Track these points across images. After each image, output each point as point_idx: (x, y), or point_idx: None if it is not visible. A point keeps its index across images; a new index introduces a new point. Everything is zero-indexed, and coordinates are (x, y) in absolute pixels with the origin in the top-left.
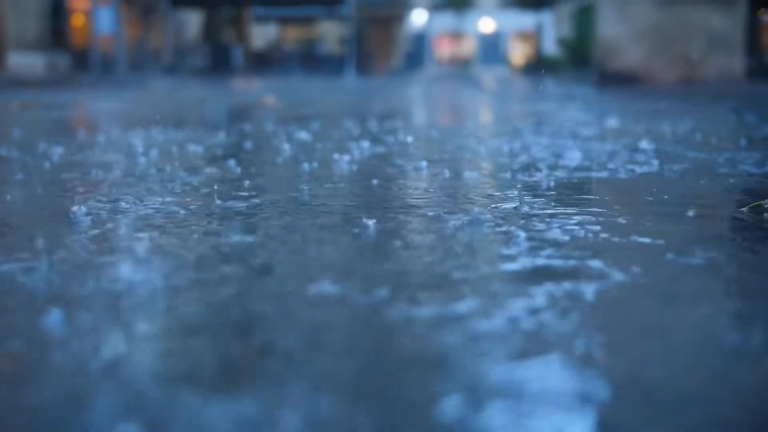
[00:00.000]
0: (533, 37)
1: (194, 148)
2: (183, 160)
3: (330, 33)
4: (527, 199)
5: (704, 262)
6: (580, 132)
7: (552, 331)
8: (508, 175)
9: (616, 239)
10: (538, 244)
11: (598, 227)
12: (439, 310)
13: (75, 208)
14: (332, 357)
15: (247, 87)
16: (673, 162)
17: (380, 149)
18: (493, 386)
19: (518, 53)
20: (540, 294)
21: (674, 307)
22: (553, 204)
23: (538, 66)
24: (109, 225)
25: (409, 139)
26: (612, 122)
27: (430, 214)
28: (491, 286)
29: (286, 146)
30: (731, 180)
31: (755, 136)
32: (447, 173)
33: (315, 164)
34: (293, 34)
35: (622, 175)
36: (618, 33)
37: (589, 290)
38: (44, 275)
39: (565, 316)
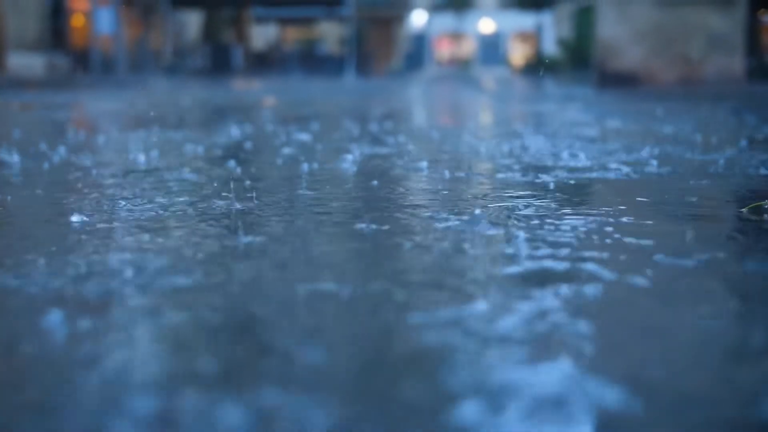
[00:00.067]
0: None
1: (194, 149)
2: (183, 161)
3: (330, 33)
4: (527, 199)
5: (704, 263)
6: (579, 133)
7: (552, 332)
8: (508, 175)
9: (616, 240)
10: (537, 244)
11: (598, 228)
12: (439, 310)
13: (75, 209)
14: (332, 357)
15: (247, 87)
16: (673, 163)
17: (380, 150)
18: (493, 386)
19: (518, 54)
20: (540, 294)
21: (674, 307)
22: (553, 204)
23: (537, 66)
24: (109, 225)
25: (409, 139)
26: (612, 123)
27: (430, 214)
28: (491, 287)
29: (286, 147)
30: (731, 181)
31: (755, 137)
32: (447, 174)
33: (315, 165)
34: (293, 35)
35: (622, 175)
36: (618, 33)
37: (588, 290)
38: (44, 276)
39: (565, 316)
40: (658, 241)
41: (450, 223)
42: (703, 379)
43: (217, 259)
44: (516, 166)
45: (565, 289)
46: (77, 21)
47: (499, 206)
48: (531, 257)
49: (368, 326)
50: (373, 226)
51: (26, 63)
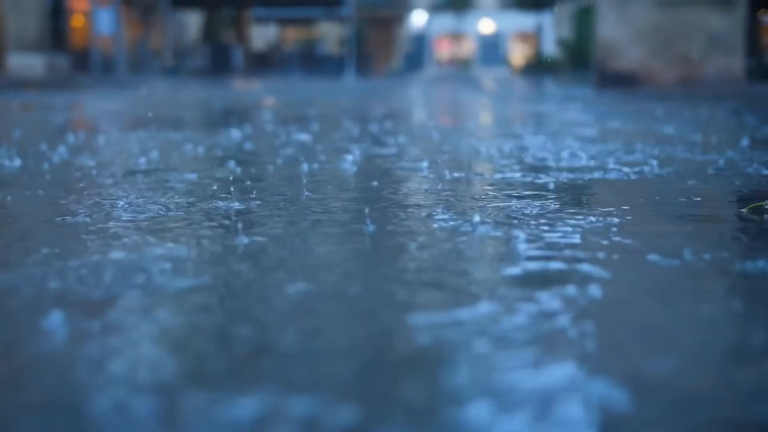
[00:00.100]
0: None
1: (194, 149)
2: (183, 161)
3: (330, 34)
4: (527, 200)
5: (705, 263)
6: (579, 133)
7: (552, 332)
8: (508, 175)
9: (616, 240)
10: (537, 245)
11: (598, 228)
12: (439, 310)
13: (75, 209)
14: (332, 357)
15: (247, 88)
16: (673, 163)
17: (380, 150)
18: (492, 386)
19: (518, 54)
20: (539, 295)
21: (674, 307)
22: (553, 205)
23: (537, 67)
24: (109, 226)
25: (409, 139)
26: (612, 123)
27: (430, 215)
28: (491, 287)
29: (286, 147)
30: (731, 181)
31: (756, 137)
32: (447, 174)
33: (315, 165)
34: (293, 35)
35: (622, 176)
36: (618, 34)
37: (588, 291)
38: (44, 276)
39: (565, 316)
40: (658, 241)
41: (450, 224)
42: (703, 379)
43: (217, 259)
44: (516, 167)
45: (565, 289)
46: (77, 21)
47: (499, 206)
48: (531, 257)
49: (368, 327)
50: (374, 227)
51: (26, 63)
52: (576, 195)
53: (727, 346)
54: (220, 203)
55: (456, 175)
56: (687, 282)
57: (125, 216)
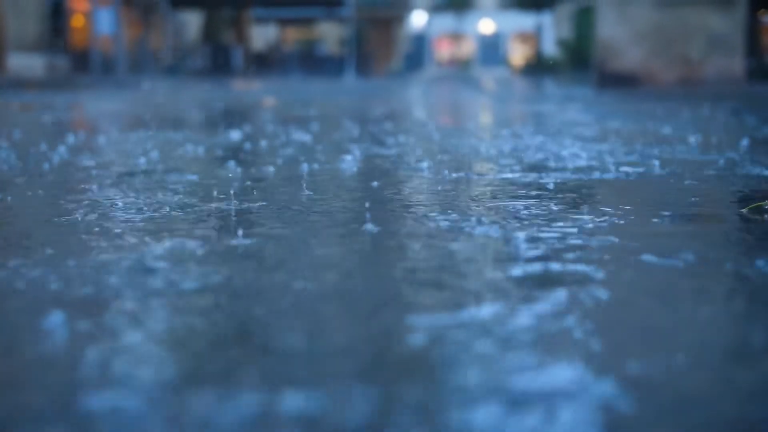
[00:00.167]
0: (533, 38)
1: (194, 149)
2: (183, 161)
3: (330, 34)
4: (527, 200)
5: (705, 263)
6: (580, 133)
7: (552, 332)
8: (508, 176)
9: (616, 240)
10: (537, 245)
11: (598, 228)
12: (439, 310)
13: (75, 209)
14: (332, 358)
15: (247, 88)
16: (674, 163)
17: (380, 150)
18: (490, 386)
19: (518, 54)
20: (539, 295)
21: (674, 308)
22: (553, 205)
23: (537, 67)
24: (109, 226)
25: (409, 140)
26: (612, 123)
27: (431, 215)
28: (490, 288)
29: (286, 147)
30: (731, 181)
31: (756, 137)
32: (447, 174)
33: (315, 165)
34: (293, 35)
35: (622, 176)
36: (618, 34)
37: (588, 291)
38: (44, 276)
39: (565, 317)
40: (658, 241)
41: (450, 224)
42: (703, 379)
43: (217, 259)
44: (516, 167)
45: (564, 289)
46: (77, 21)
47: (499, 206)
48: (530, 257)
49: (369, 327)
50: (374, 227)
51: (26, 63)
52: (576, 195)
53: (727, 346)
54: (221, 203)
55: (456, 175)
56: (687, 282)
57: (125, 216)
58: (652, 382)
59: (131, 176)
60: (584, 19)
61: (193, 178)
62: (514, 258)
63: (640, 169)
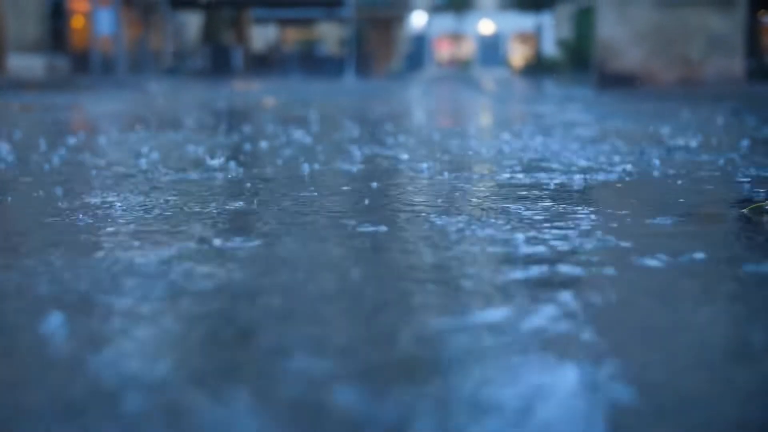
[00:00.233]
0: (533, 38)
1: (194, 150)
2: (183, 162)
3: (330, 34)
4: (527, 200)
5: (706, 264)
6: (580, 133)
7: (552, 332)
8: (508, 176)
9: (616, 240)
10: (537, 246)
11: (598, 229)
12: (439, 311)
13: (75, 210)
14: (333, 358)
15: (247, 88)
16: (674, 163)
17: (380, 151)
18: (489, 388)
19: (518, 55)
20: (539, 295)
21: (675, 308)
22: (553, 205)
23: (537, 68)
24: (110, 227)
25: (409, 140)
26: (612, 124)
27: (430, 216)
28: (490, 288)
29: (286, 148)
30: (732, 181)
31: (756, 138)
32: (447, 175)
33: (315, 166)
34: (293, 36)
35: (622, 176)
36: (618, 34)
37: (588, 291)
38: (44, 277)
39: (565, 317)
40: (658, 241)
41: (450, 224)
42: (703, 379)
43: (217, 260)
44: (516, 167)
45: (564, 289)
46: (77, 22)
47: (499, 207)
48: (530, 258)
49: (369, 327)
50: (374, 228)
51: (26, 64)
52: (576, 195)
53: (727, 346)
54: (221, 204)
55: (456, 175)
56: (687, 282)
57: (125, 217)
58: (653, 382)
59: (131, 177)
60: (584, 20)
61: (194, 178)
62: (513, 258)
63: (641, 170)
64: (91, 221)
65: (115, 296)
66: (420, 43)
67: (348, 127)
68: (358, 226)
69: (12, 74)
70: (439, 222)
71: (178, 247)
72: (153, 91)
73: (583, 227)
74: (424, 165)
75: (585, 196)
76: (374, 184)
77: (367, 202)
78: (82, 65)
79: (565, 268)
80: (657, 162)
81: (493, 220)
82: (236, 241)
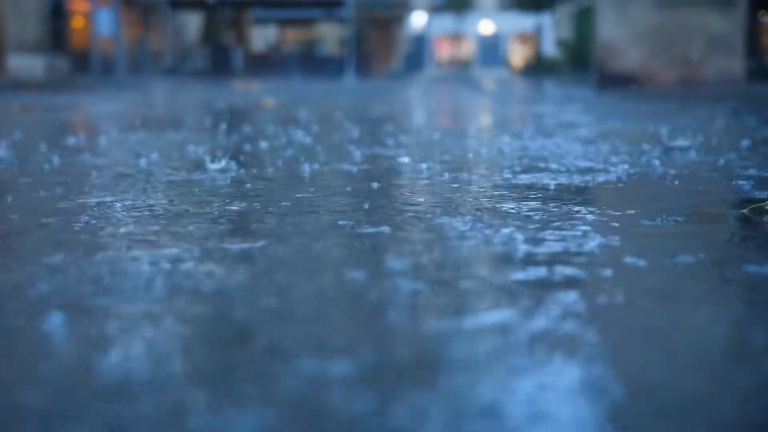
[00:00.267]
0: (533, 38)
1: (195, 150)
2: (183, 162)
3: (330, 35)
4: (527, 201)
5: (706, 264)
6: (580, 134)
7: (553, 332)
8: (508, 177)
9: (616, 240)
10: (537, 246)
11: (598, 229)
12: (439, 311)
13: (75, 211)
14: (333, 359)
15: (247, 89)
16: (674, 164)
17: (380, 151)
18: (488, 389)
19: (518, 55)
20: (539, 296)
21: (675, 308)
22: (553, 206)
23: (537, 68)
24: (110, 227)
25: (409, 141)
26: (612, 124)
27: (430, 216)
28: (489, 289)
29: (286, 148)
30: (732, 181)
31: (756, 138)
32: (447, 175)
33: (315, 166)
34: (293, 36)
35: (622, 177)
36: (618, 35)
37: (588, 291)
38: (44, 278)
39: (565, 317)
40: (658, 241)
41: (450, 225)
42: (703, 379)
43: (217, 260)
44: (516, 168)
45: (564, 290)
46: (77, 22)
47: (499, 207)
48: (530, 258)
49: (369, 328)
50: (374, 228)
51: (26, 64)
52: (576, 196)
53: (727, 346)
54: (221, 205)
55: (456, 176)
56: (687, 282)
57: (125, 217)
58: (653, 382)
59: (131, 177)
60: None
61: (194, 179)
62: (513, 259)
63: (640, 170)
64: (91, 221)
65: (114, 297)
66: (420, 43)
67: (348, 128)
68: (358, 226)
69: (12, 74)
70: (439, 222)
71: (178, 247)
72: (154, 91)
73: (584, 227)
74: (424, 165)
75: (585, 196)
76: (374, 185)
77: (367, 205)
78: (82, 65)
79: (565, 269)
80: (657, 162)
81: (493, 221)
82: (236, 242)
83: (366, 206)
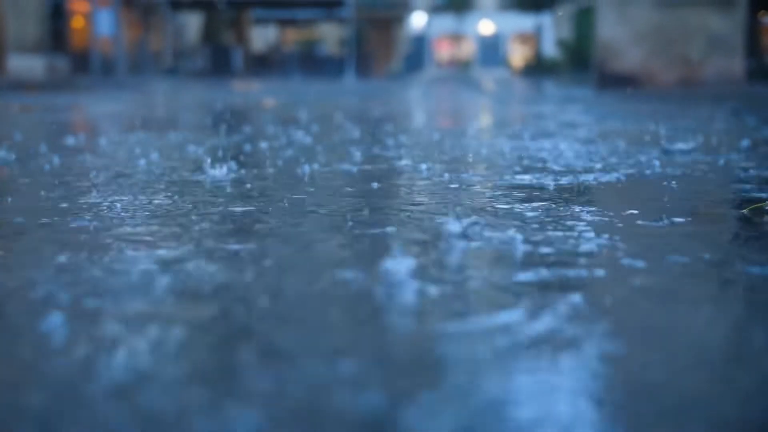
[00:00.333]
0: (533, 39)
1: (195, 150)
2: (183, 163)
3: (329, 35)
4: (527, 202)
5: (706, 264)
6: (580, 134)
7: (553, 333)
8: (507, 177)
9: (616, 241)
10: (537, 246)
11: (598, 229)
12: (439, 312)
13: (75, 211)
14: (333, 361)
15: (247, 89)
16: (674, 164)
17: (380, 151)
18: (487, 390)
19: (518, 55)
20: (539, 296)
21: (675, 308)
22: (553, 206)
23: (537, 68)
24: (110, 228)
25: (409, 141)
26: (612, 124)
27: (430, 217)
28: (489, 290)
29: (286, 148)
30: (732, 182)
31: (756, 138)
32: (447, 176)
33: (316, 166)
34: (293, 36)
35: (623, 177)
36: (618, 35)
37: (588, 292)
38: (44, 278)
39: (565, 318)
40: (658, 242)
41: (450, 225)
42: (703, 379)
43: (218, 261)
44: (516, 168)
45: (564, 290)
46: (77, 23)
47: (500, 208)
48: (530, 259)
49: (370, 329)
50: (375, 229)
51: (26, 65)
52: (576, 196)
53: (728, 347)
54: (221, 205)
55: (456, 176)
56: (687, 283)
57: (126, 217)
58: (653, 382)
59: (131, 178)
60: (584, 20)
61: (194, 179)
62: (514, 259)
63: (640, 170)
64: (91, 222)
65: (115, 297)
66: (420, 43)
67: (348, 128)
68: (359, 227)
69: (12, 75)
70: (439, 223)
71: (178, 248)
72: (154, 91)
73: (584, 228)
74: (424, 166)
75: (585, 196)
76: (375, 185)
77: (367, 206)
78: (82, 66)
79: (565, 269)
80: (657, 162)
81: (493, 221)
82: (236, 243)
83: (366, 207)
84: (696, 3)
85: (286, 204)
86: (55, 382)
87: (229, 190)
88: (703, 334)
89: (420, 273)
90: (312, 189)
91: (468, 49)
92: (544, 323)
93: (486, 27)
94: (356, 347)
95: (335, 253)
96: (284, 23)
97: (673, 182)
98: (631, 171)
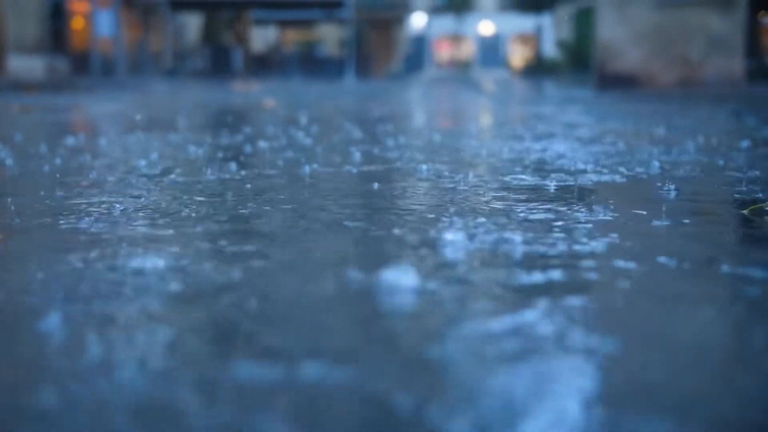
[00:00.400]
0: (533, 39)
1: (195, 151)
2: (183, 163)
3: (329, 36)
4: (527, 202)
5: (706, 264)
6: (580, 134)
7: (553, 333)
8: (508, 178)
9: (616, 241)
10: (538, 247)
11: (598, 230)
12: (439, 312)
13: (75, 212)
14: (334, 362)
15: (247, 89)
16: (674, 164)
17: (381, 152)
18: (486, 392)
19: (518, 56)
20: (539, 297)
21: (675, 309)
22: (553, 207)
23: (537, 69)
24: (110, 228)
25: (410, 142)
26: (612, 124)
27: (430, 217)
28: (489, 290)
29: (286, 149)
30: (732, 182)
31: (756, 138)
32: (447, 176)
33: (316, 167)
34: (293, 37)
35: (622, 177)
36: (617, 35)
37: (588, 292)
38: (44, 279)
39: (565, 318)
40: (658, 242)
41: (450, 226)
42: (703, 379)
43: (217, 261)
44: (517, 168)
45: (564, 291)
46: (77, 23)
47: (500, 208)
48: (530, 259)
49: (370, 329)
50: (374, 229)
51: (26, 65)
52: (577, 197)
53: (728, 347)
54: (221, 205)
55: (456, 177)
56: (687, 283)
57: (126, 218)
58: (653, 382)
59: (131, 178)
60: (584, 20)
61: (194, 179)
62: (514, 259)
63: (641, 170)
64: (90, 222)
65: (114, 297)
66: (420, 44)
67: (348, 129)
68: (359, 227)
69: (12, 75)
70: (439, 223)
71: (178, 248)
72: (154, 91)
73: (583, 228)
74: (425, 167)
75: (585, 197)
76: (375, 186)
77: (367, 206)
78: (82, 66)
79: (565, 269)
80: (657, 163)
81: (493, 221)
82: (236, 243)
83: (366, 207)
84: (696, 3)
85: (286, 205)
86: (54, 382)
87: (229, 190)
88: (704, 334)
89: (420, 273)
90: (312, 189)
91: (468, 49)
92: (544, 323)
93: (486, 28)
94: (357, 347)
95: (335, 254)
96: (284, 24)
97: (673, 183)
98: (630, 171)
